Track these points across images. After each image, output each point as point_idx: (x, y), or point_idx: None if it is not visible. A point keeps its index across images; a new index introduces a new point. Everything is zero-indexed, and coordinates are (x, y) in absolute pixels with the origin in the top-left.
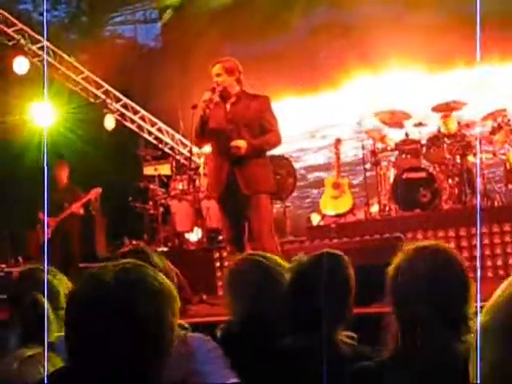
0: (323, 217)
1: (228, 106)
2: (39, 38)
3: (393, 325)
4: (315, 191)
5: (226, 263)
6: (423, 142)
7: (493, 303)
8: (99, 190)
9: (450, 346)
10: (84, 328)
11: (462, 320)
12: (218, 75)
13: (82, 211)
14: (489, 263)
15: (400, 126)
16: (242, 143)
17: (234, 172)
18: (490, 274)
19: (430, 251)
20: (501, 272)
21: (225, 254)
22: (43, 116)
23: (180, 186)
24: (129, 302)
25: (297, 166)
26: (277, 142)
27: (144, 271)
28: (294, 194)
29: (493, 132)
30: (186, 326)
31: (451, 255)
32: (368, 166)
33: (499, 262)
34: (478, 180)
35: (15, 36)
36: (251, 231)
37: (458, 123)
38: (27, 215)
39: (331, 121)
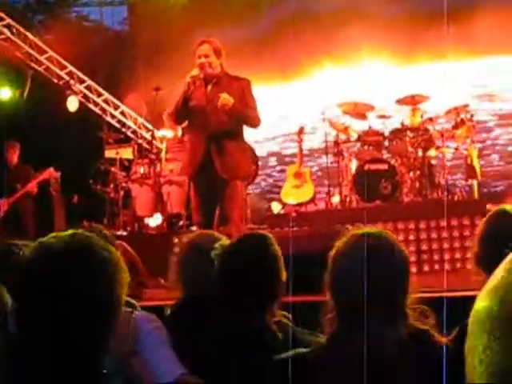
0: (284, 205)
1: (209, 87)
2: (3, 16)
3: (330, 310)
4: (277, 180)
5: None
6: (386, 134)
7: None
8: (52, 170)
9: (383, 333)
10: (33, 294)
11: (398, 308)
12: (207, 56)
13: (35, 190)
14: (447, 256)
15: (363, 117)
16: (229, 97)
17: (211, 153)
18: (447, 267)
19: (370, 238)
20: (458, 265)
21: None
22: (4, 95)
23: (141, 170)
24: (77, 268)
25: (259, 153)
26: (257, 122)
27: (93, 240)
28: (256, 181)
29: (455, 127)
30: (134, 302)
31: (391, 243)
32: (330, 156)
33: (457, 255)
34: (439, 175)
35: None
36: (223, 216)
37: (422, 117)
38: None
39: (296, 110)
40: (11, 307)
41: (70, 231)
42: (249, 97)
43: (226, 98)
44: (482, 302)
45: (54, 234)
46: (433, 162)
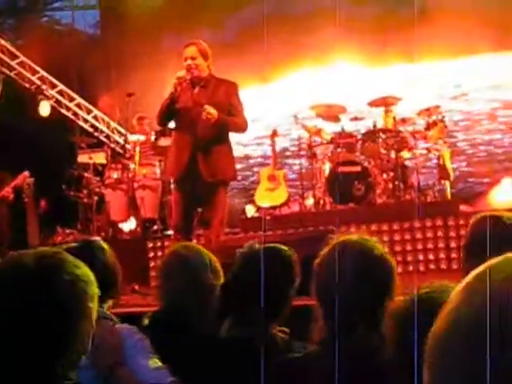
0: (258, 208)
1: (196, 89)
2: None
3: (318, 317)
4: (251, 182)
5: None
6: (359, 136)
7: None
8: (26, 174)
9: (371, 340)
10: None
11: (380, 314)
12: (193, 58)
13: (11, 195)
14: (421, 257)
15: (336, 119)
16: (213, 110)
17: (197, 157)
18: (421, 268)
19: (353, 245)
20: (432, 266)
21: (159, 243)
22: None
23: (115, 175)
24: (47, 285)
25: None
26: (244, 127)
27: (63, 257)
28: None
29: (427, 128)
30: (113, 317)
31: (373, 250)
32: (304, 158)
33: (431, 256)
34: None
35: None
36: (204, 220)
37: (394, 118)
38: None
39: (268, 112)
40: None
41: (41, 248)
42: (236, 101)
43: (209, 112)
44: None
45: (25, 251)
46: (406, 163)
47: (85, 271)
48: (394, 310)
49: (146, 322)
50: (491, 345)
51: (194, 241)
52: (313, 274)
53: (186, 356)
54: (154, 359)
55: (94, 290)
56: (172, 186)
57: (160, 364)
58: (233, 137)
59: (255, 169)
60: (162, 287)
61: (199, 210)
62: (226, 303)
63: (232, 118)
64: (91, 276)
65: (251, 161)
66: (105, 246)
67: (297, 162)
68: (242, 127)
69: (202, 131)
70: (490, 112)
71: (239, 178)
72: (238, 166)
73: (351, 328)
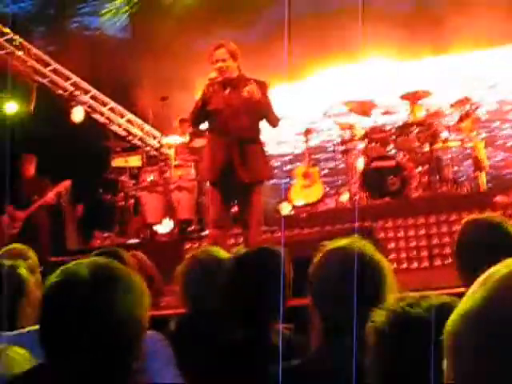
0: (293, 206)
1: (227, 90)
2: (5, 30)
3: (316, 323)
4: (286, 180)
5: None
6: (392, 130)
7: (465, 310)
8: (68, 182)
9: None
10: (60, 325)
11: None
12: (224, 60)
13: (54, 201)
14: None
15: (368, 114)
16: (256, 88)
17: (233, 158)
18: (449, 261)
19: (343, 252)
20: None
21: (196, 244)
22: (10, 109)
23: (150, 178)
24: (104, 298)
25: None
26: (277, 121)
27: (118, 267)
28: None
29: (460, 120)
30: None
31: (365, 255)
32: (338, 155)
33: None
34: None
35: None
36: (243, 220)
37: (427, 111)
38: None
39: (301, 110)
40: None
41: (92, 258)
42: (266, 100)
43: (252, 90)
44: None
45: (75, 262)
46: (440, 156)
47: (138, 280)
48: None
49: (172, 326)
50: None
51: (232, 240)
52: (307, 282)
53: (213, 360)
54: (173, 369)
55: (147, 299)
56: (208, 186)
57: (177, 374)
58: (266, 135)
59: (289, 166)
60: (184, 293)
61: (235, 208)
62: (225, 306)
63: (268, 107)
64: (143, 285)
65: (285, 158)
66: (123, 254)
67: (331, 158)
68: (276, 120)
69: (236, 132)
70: None
71: (275, 176)
72: (273, 164)
73: (347, 334)
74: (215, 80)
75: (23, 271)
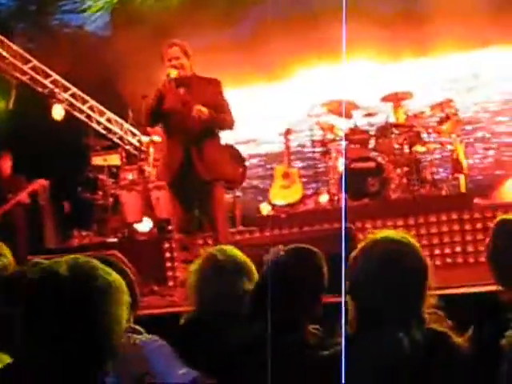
0: (273, 207)
1: (182, 89)
2: None
3: (350, 312)
4: (265, 181)
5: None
6: (372, 132)
7: None
8: (43, 181)
9: (401, 336)
10: (39, 320)
11: (415, 312)
12: (177, 58)
13: (27, 200)
14: (437, 251)
15: (349, 116)
16: (204, 108)
17: (191, 155)
18: (438, 263)
19: (386, 242)
20: (448, 260)
21: (175, 244)
22: None
23: (130, 176)
24: (83, 294)
25: (247, 155)
26: (232, 123)
27: (95, 265)
28: (244, 183)
29: (440, 122)
30: (139, 328)
31: (406, 247)
32: (317, 155)
33: (447, 250)
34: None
35: None
36: (206, 219)
37: (407, 113)
38: None
39: (281, 110)
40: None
41: (72, 256)
42: (222, 99)
43: (200, 110)
44: None
45: (54, 260)
46: (419, 158)
47: (116, 278)
48: None
49: (181, 321)
50: None
51: (200, 241)
52: (348, 269)
53: (221, 360)
54: (178, 361)
55: (126, 296)
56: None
57: (183, 363)
58: (244, 135)
59: (268, 166)
60: (196, 291)
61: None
62: (258, 307)
63: (221, 114)
64: (122, 283)
65: (265, 158)
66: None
67: (311, 158)
68: (230, 124)
69: (192, 131)
70: (503, 104)
71: (254, 175)
72: (253, 163)
73: (382, 325)
74: (170, 77)
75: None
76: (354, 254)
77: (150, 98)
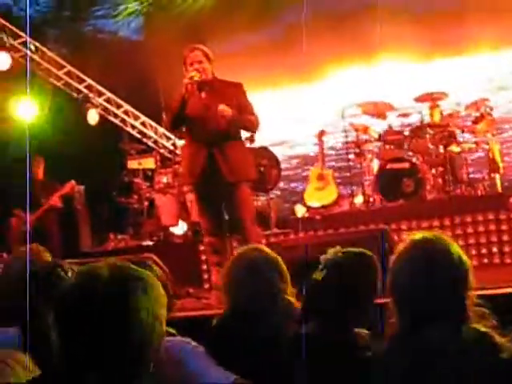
0: (308, 208)
1: (204, 93)
2: (21, 33)
3: (392, 314)
4: (300, 183)
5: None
6: (406, 132)
7: None
8: (73, 183)
9: (445, 337)
10: (79, 323)
11: (458, 312)
12: (200, 62)
13: (60, 204)
14: (473, 252)
15: (383, 117)
16: (227, 108)
17: (214, 157)
18: (474, 263)
19: (427, 243)
20: (485, 260)
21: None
22: (26, 111)
23: (164, 180)
24: (125, 298)
25: (281, 157)
26: (257, 125)
27: (135, 269)
28: (279, 185)
29: (475, 121)
30: (173, 331)
31: (447, 247)
32: (352, 157)
33: (484, 251)
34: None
35: None
36: (233, 221)
37: (441, 113)
38: None
39: (315, 112)
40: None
41: (110, 261)
42: (245, 101)
43: (224, 109)
44: None
45: (94, 264)
46: (455, 157)
47: (154, 281)
48: None
49: (214, 322)
50: None
51: (234, 244)
52: (388, 271)
53: (255, 359)
54: (214, 364)
55: (165, 299)
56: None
57: (220, 367)
58: (278, 136)
59: (303, 168)
60: (230, 291)
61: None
62: (312, 307)
63: (244, 115)
64: (160, 286)
65: (300, 160)
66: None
67: (345, 160)
68: (254, 125)
69: (215, 134)
70: None
71: (288, 177)
72: (287, 165)
73: (424, 326)
74: (193, 80)
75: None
76: (393, 257)
77: (174, 101)
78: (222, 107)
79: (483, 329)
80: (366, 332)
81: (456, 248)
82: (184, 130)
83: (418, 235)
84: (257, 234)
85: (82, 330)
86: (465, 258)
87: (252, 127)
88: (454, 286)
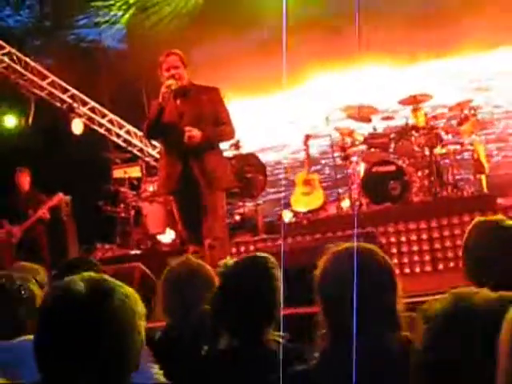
0: (295, 214)
1: (179, 101)
2: (3, 43)
3: (322, 325)
4: (287, 188)
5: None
6: (391, 135)
7: None
8: (62, 195)
9: (374, 346)
10: (58, 338)
11: (387, 320)
12: (176, 67)
13: (48, 216)
14: (461, 253)
15: (368, 120)
16: (196, 132)
17: (191, 167)
18: (462, 264)
19: (351, 253)
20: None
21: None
22: (10, 122)
23: (151, 188)
24: (102, 310)
25: (268, 163)
26: (231, 134)
27: (110, 280)
28: (265, 191)
29: (460, 123)
30: None
31: (372, 256)
32: (338, 161)
33: None
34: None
35: None
36: (208, 229)
37: (426, 115)
38: None
39: (300, 116)
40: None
41: (85, 274)
42: (220, 108)
43: (191, 136)
44: None
45: (70, 278)
46: (440, 159)
47: (131, 292)
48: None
49: (156, 336)
50: None
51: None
52: (314, 283)
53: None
54: (154, 369)
55: (142, 308)
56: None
57: (159, 374)
58: (263, 142)
59: (290, 173)
60: (162, 304)
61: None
62: (219, 319)
63: (217, 129)
64: (137, 296)
65: (286, 166)
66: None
67: (331, 164)
68: (229, 136)
69: (191, 143)
70: None
71: (276, 183)
72: (273, 172)
73: (354, 336)
74: (171, 88)
75: (34, 286)
76: (319, 268)
77: (151, 110)
78: (188, 133)
79: (412, 336)
80: (282, 337)
81: (379, 255)
82: (160, 139)
83: (342, 245)
84: (227, 243)
85: (58, 343)
86: (389, 264)
87: (227, 138)
88: (381, 294)
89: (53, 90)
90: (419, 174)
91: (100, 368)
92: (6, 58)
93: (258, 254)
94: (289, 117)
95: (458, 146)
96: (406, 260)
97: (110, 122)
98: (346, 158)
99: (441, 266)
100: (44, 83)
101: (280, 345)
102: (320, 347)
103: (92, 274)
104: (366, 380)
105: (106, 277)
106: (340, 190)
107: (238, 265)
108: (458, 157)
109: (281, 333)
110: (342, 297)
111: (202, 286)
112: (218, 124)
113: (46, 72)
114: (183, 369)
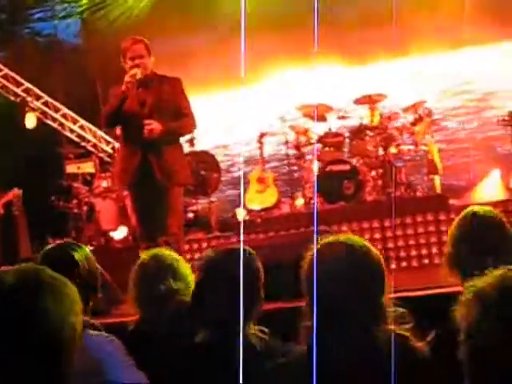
0: (249, 211)
1: (140, 89)
2: None
3: (307, 318)
4: (241, 186)
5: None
6: (346, 134)
7: None
8: (16, 190)
9: (361, 340)
10: None
11: (374, 314)
12: (142, 56)
13: (1, 211)
14: (414, 253)
15: (323, 119)
16: (155, 124)
17: (149, 160)
18: (415, 264)
19: (341, 245)
20: (425, 261)
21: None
22: None
23: (104, 184)
24: (31, 305)
25: (222, 160)
26: (192, 126)
27: (43, 272)
28: (219, 188)
29: (414, 123)
30: (98, 325)
31: (363, 248)
32: (292, 159)
33: (424, 252)
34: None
35: None
36: (163, 226)
37: (380, 115)
38: None
39: (254, 114)
40: None
41: (19, 265)
42: (181, 99)
43: (151, 129)
44: None
45: (6, 269)
46: (394, 159)
47: (64, 283)
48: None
49: (129, 328)
50: None
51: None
52: (301, 275)
53: (165, 365)
54: (130, 368)
55: (78, 304)
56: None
57: (135, 372)
58: (220, 140)
59: (243, 171)
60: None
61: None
62: (197, 312)
63: (177, 122)
64: (72, 288)
65: (240, 163)
66: (85, 249)
67: (285, 162)
68: (189, 128)
69: (150, 134)
70: (475, 105)
71: (230, 181)
72: (227, 169)
73: (341, 328)
74: (135, 78)
75: None
76: (306, 260)
77: (112, 98)
78: (148, 127)
79: (399, 331)
80: (264, 333)
81: (368, 246)
82: (119, 129)
83: (330, 238)
84: (182, 239)
85: None
86: (378, 256)
87: (187, 131)
88: (369, 287)
89: (6, 83)
90: (373, 173)
91: (30, 365)
92: None
93: (237, 246)
94: (244, 115)
95: (412, 147)
96: None
97: (64, 116)
98: (300, 156)
99: (393, 266)
100: None
101: (260, 339)
102: (304, 339)
103: (28, 265)
104: (351, 373)
105: (44, 270)
106: (294, 189)
107: (219, 257)
108: (412, 157)
109: (261, 327)
110: (330, 289)
111: (174, 278)
112: (179, 115)
113: None
114: (158, 362)
